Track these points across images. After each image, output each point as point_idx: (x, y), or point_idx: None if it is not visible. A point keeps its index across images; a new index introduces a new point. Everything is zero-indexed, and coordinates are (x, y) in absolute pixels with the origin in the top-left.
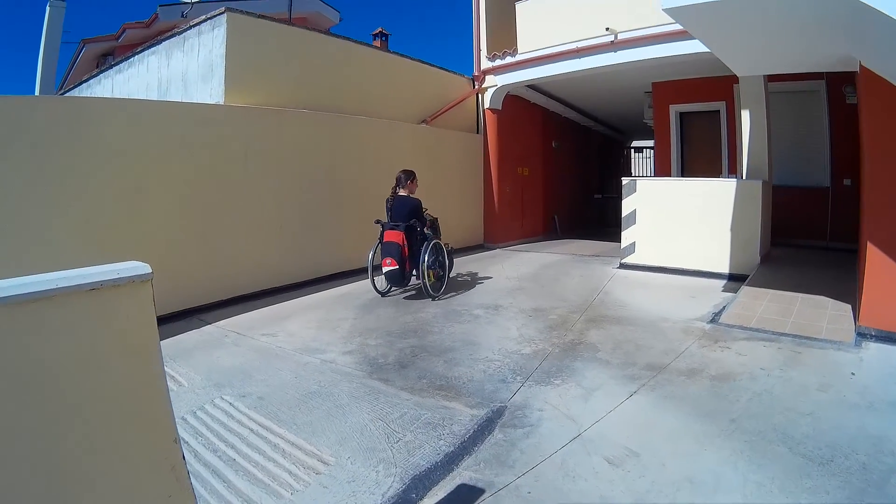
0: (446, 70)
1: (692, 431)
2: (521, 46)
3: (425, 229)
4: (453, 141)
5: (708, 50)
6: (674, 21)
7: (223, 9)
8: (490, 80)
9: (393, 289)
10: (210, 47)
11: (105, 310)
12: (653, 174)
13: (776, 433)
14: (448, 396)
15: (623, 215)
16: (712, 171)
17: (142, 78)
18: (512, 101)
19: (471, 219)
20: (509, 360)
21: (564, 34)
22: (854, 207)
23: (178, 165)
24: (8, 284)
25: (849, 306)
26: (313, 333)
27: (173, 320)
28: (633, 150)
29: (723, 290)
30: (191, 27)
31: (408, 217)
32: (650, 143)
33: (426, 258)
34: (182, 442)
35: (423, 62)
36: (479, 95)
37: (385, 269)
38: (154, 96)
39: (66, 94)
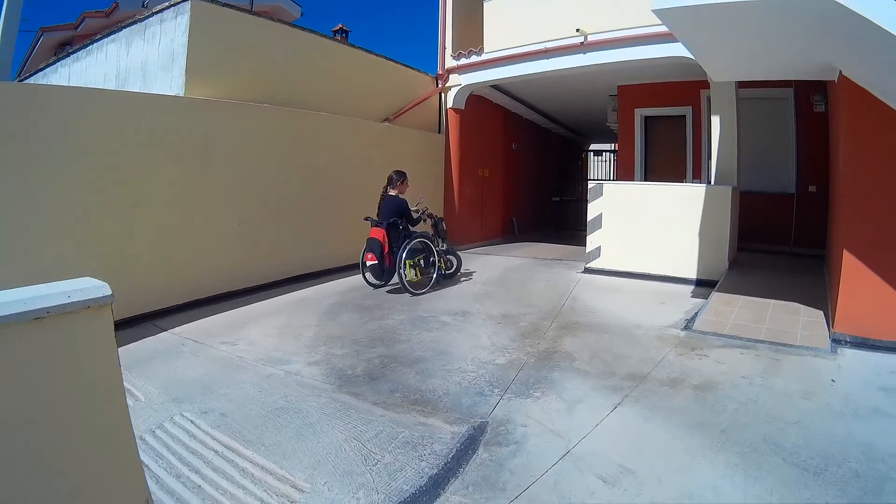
0: (410, 67)
1: (684, 444)
2: (487, 45)
3: (428, 228)
4: (415, 140)
5: (678, 54)
6: (645, 24)
7: None
8: (454, 80)
9: (384, 283)
10: (172, 36)
11: (51, 346)
12: (612, 178)
13: (767, 444)
14: (425, 412)
15: (589, 219)
16: (676, 175)
17: (100, 67)
18: (475, 102)
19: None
20: (484, 370)
21: (533, 34)
22: (819, 214)
23: (132, 160)
24: None
25: (821, 312)
26: (275, 342)
27: (127, 326)
28: (591, 154)
29: (692, 296)
30: (153, 14)
31: (392, 215)
32: (609, 146)
33: (402, 255)
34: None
35: (386, 58)
36: (443, 94)
37: (368, 263)
38: (112, 86)
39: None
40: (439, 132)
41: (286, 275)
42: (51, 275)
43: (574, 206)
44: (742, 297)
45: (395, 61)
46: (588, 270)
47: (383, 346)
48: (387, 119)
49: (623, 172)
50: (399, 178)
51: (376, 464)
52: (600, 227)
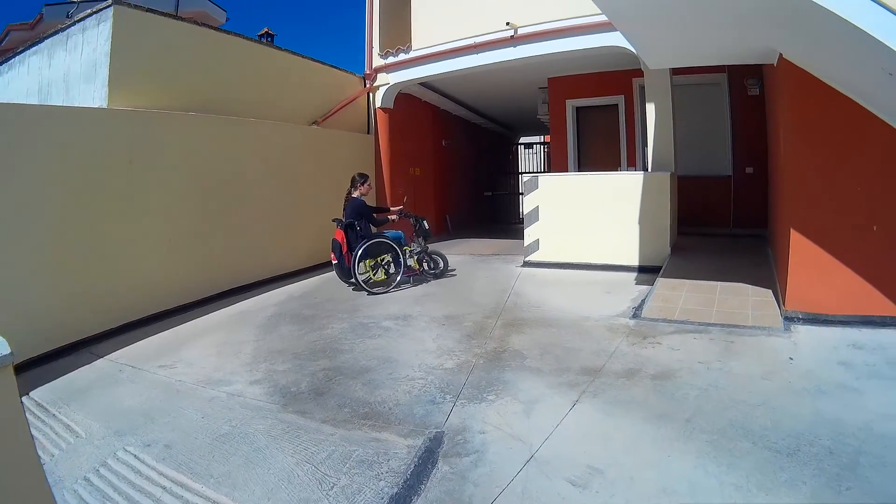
0: (338, 68)
1: (650, 437)
2: (415, 43)
3: (413, 227)
4: (344, 142)
5: (610, 44)
6: (577, 15)
7: (110, 1)
8: (382, 79)
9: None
10: (94, 44)
11: None
12: (544, 170)
13: (735, 429)
14: (376, 426)
15: (525, 212)
16: (610, 164)
17: (22, 81)
18: (404, 100)
19: None
20: (433, 376)
21: (462, 29)
22: (757, 194)
23: (53, 176)
24: None
25: (769, 291)
26: (215, 361)
27: (62, 356)
28: (522, 147)
29: (637, 284)
30: (75, 23)
31: (351, 217)
32: (539, 138)
33: (357, 255)
34: None
35: (313, 60)
36: (371, 94)
37: (333, 263)
38: (34, 100)
39: None
40: (368, 133)
41: (222, 288)
42: None
43: (507, 200)
44: (688, 282)
45: (322, 63)
46: (527, 264)
47: (326, 357)
48: (315, 122)
49: (556, 164)
50: (361, 179)
51: (332, 487)
52: (537, 219)
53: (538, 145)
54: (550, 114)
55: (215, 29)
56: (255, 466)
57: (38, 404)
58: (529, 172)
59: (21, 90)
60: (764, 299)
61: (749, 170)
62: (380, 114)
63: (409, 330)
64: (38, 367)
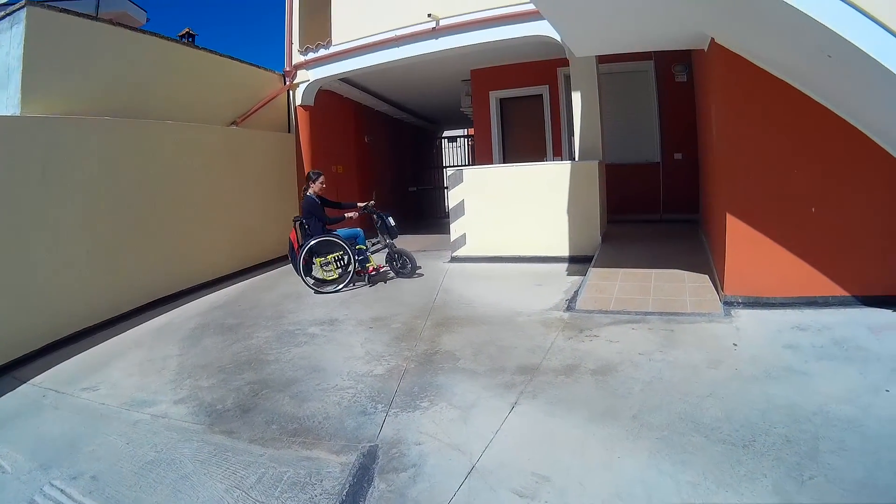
0: (258, 67)
1: (596, 438)
2: (336, 37)
3: (375, 224)
4: (264, 142)
5: (534, 34)
6: (500, 5)
7: (24, 1)
8: (302, 76)
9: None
10: (7, 49)
11: None
12: (469, 163)
13: (685, 423)
14: (306, 443)
15: (451, 206)
16: (536, 155)
17: None
18: (324, 97)
19: (287, 224)
20: (363, 384)
21: (384, 22)
22: (686, 180)
23: None
24: None
25: (706, 276)
26: (137, 381)
27: None
28: (445, 140)
29: (568, 275)
30: None
31: (303, 215)
32: (463, 131)
33: (301, 254)
34: None
35: (233, 58)
36: (291, 92)
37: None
38: None
39: None
40: (289, 131)
41: (144, 300)
42: None
43: (432, 195)
44: (621, 270)
45: (242, 61)
46: (455, 259)
47: (251, 370)
48: (234, 122)
49: (481, 156)
50: (314, 177)
51: None
52: (463, 213)
53: (462, 138)
54: (474, 106)
55: (134, 29)
56: (184, 496)
57: None
58: (454, 166)
59: None
60: (701, 285)
61: (678, 156)
62: (300, 111)
63: (336, 335)
64: None
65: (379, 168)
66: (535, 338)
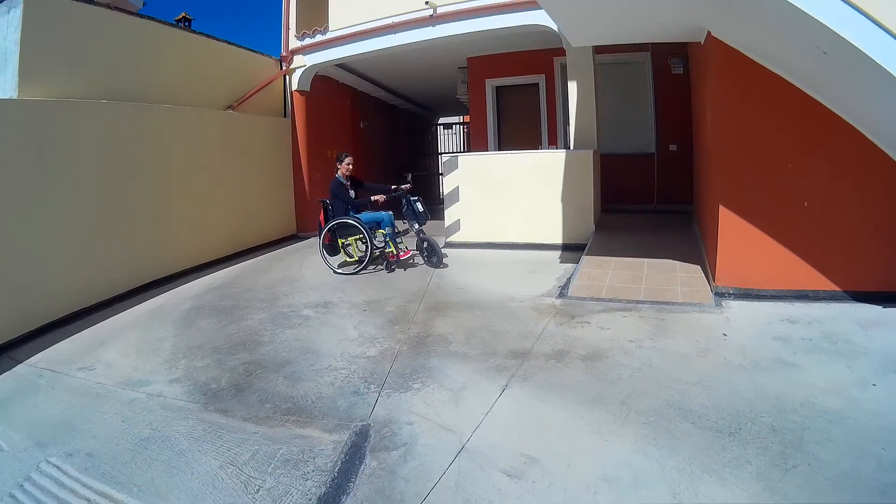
0: (253, 51)
1: (585, 422)
2: (333, 23)
3: (402, 208)
4: (260, 126)
5: (531, 22)
6: None
7: None
8: (299, 61)
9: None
10: (4, 33)
11: None
12: (463, 150)
13: (673, 409)
14: (300, 422)
15: (445, 193)
16: (531, 143)
17: None
18: (321, 82)
19: (282, 207)
20: (356, 365)
21: (381, 9)
22: (680, 172)
23: None
24: None
25: (698, 267)
26: (133, 361)
27: None
28: (441, 127)
29: (561, 262)
30: None
31: (330, 196)
32: (458, 118)
33: (322, 235)
34: None
35: (230, 43)
36: (287, 77)
37: None
38: None
39: None
40: (285, 116)
41: (139, 282)
42: None
43: (427, 181)
44: (614, 259)
45: (238, 46)
46: (449, 245)
47: (246, 351)
48: (230, 106)
49: (476, 144)
50: (339, 158)
51: (258, 490)
52: (458, 200)
53: (458, 125)
54: (470, 94)
55: (131, 14)
56: (178, 472)
57: None
58: (449, 153)
59: None
60: (693, 275)
61: (672, 147)
62: (296, 97)
63: (330, 317)
64: None
65: (374, 154)
66: (527, 323)
